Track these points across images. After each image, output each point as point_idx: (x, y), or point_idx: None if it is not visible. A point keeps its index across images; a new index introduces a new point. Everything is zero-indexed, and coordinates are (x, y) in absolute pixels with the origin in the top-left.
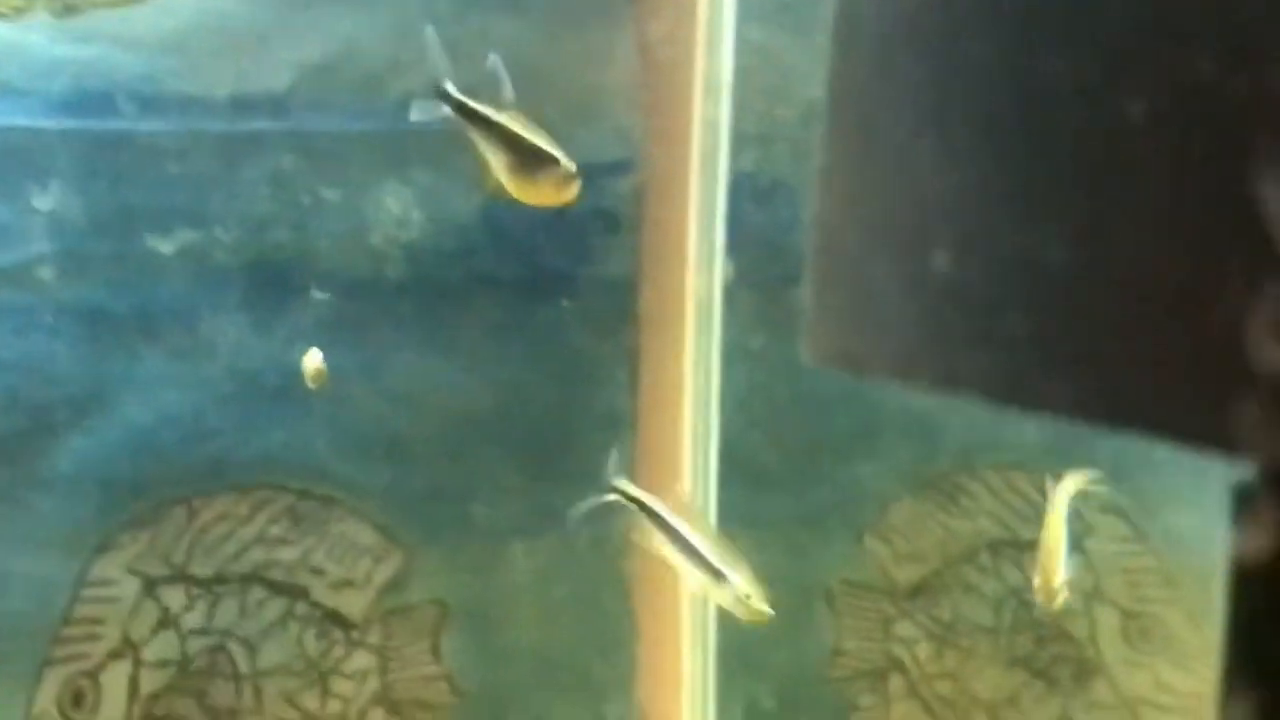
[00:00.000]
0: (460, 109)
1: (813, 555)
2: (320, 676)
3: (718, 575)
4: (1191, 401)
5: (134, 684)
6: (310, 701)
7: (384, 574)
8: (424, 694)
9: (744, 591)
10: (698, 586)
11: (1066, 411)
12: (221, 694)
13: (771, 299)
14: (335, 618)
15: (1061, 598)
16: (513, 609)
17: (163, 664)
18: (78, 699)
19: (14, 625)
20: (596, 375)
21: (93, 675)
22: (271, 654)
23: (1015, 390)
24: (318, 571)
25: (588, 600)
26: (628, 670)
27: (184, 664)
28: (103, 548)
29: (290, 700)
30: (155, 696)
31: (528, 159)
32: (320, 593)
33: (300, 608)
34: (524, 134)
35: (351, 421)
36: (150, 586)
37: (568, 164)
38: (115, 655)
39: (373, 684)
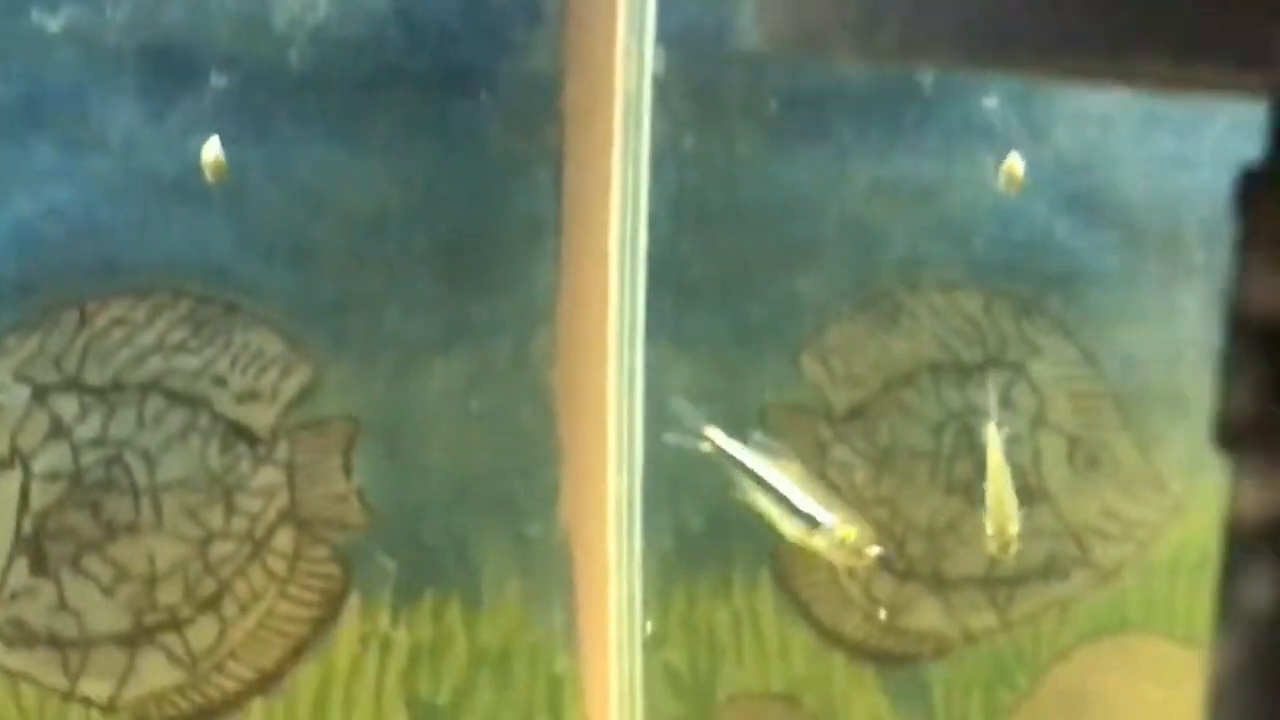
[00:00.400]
0: None
1: (745, 375)
2: (225, 492)
3: (812, 521)
4: (1216, 21)
5: (24, 496)
6: (214, 518)
7: (291, 386)
8: (335, 513)
9: (839, 535)
10: (794, 534)
11: (1058, 51)
12: (119, 508)
13: (706, 96)
14: (240, 431)
15: (1015, 548)
16: (428, 425)
17: (55, 476)
18: None
19: None
20: (517, 176)
21: None
22: (172, 468)
23: (998, 37)
24: (220, 382)
25: (508, 417)
26: (551, 491)
27: (78, 476)
28: None
29: (193, 516)
30: (47, 510)
31: None
32: (224, 405)
33: (203, 420)
34: None
35: (255, 220)
36: (40, 394)
37: None
38: (3, 466)
39: (281, 501)
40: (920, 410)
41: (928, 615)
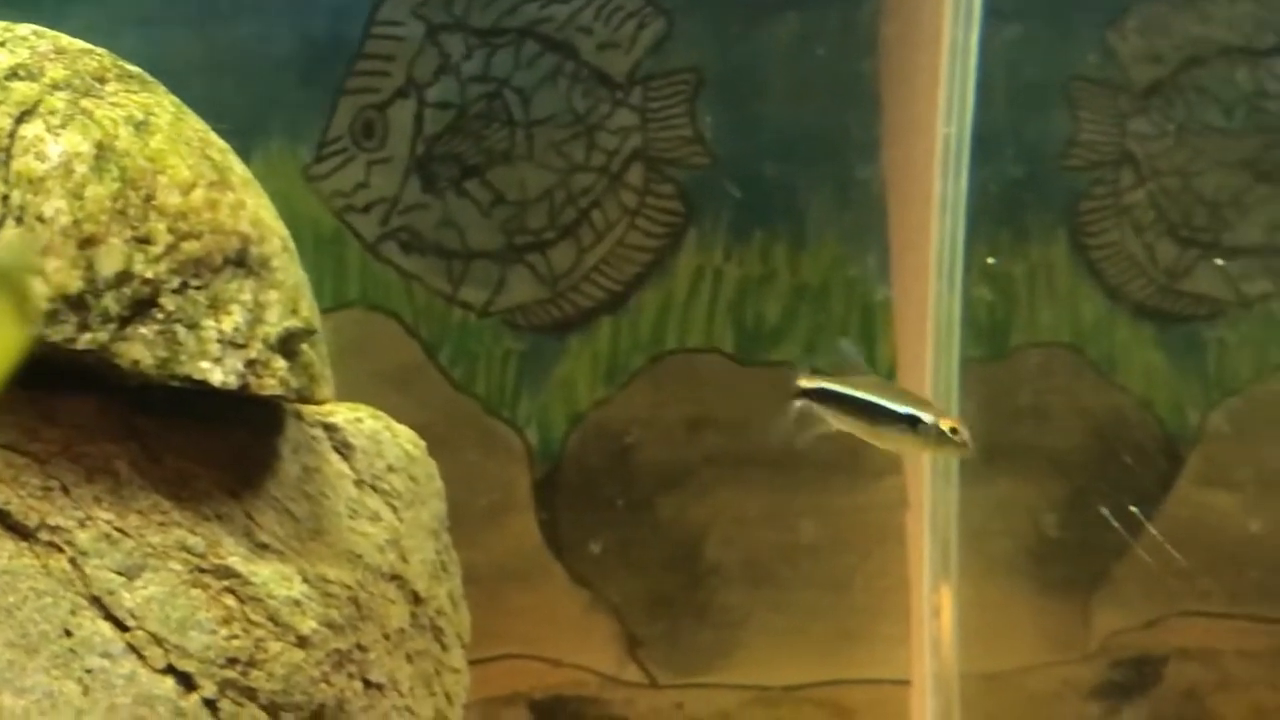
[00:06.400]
0: None
1: (1052, 51)
2: (587, 130)
3: (913, 422)
4: None
5: (418, 122)
6: (577, 152)
7: (647, 37)
8: (681, 154)
9: (944, 428)
10: (892, 441)
11: None
12: (497, 139)
13: None
14: (601, 76)
15: None
16: (765, 79)
17: (444, 106)
18: (369, 130)
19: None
20: None
21: (381, 109)
22: (543, 106)
23: None
24: (586, 30)
25: (840, 69)
26: (875, 136)
27: (463, 108)
28: None
29: (559, 150)
30: (437, 136)
31: None
32: (588, 51)
33: (569, 64)
34: None
35: None
36: (433, 32)
37: None
38: (401, 95)
39: (634, 141)
40: (1214, 90)
41: (1206, 280)
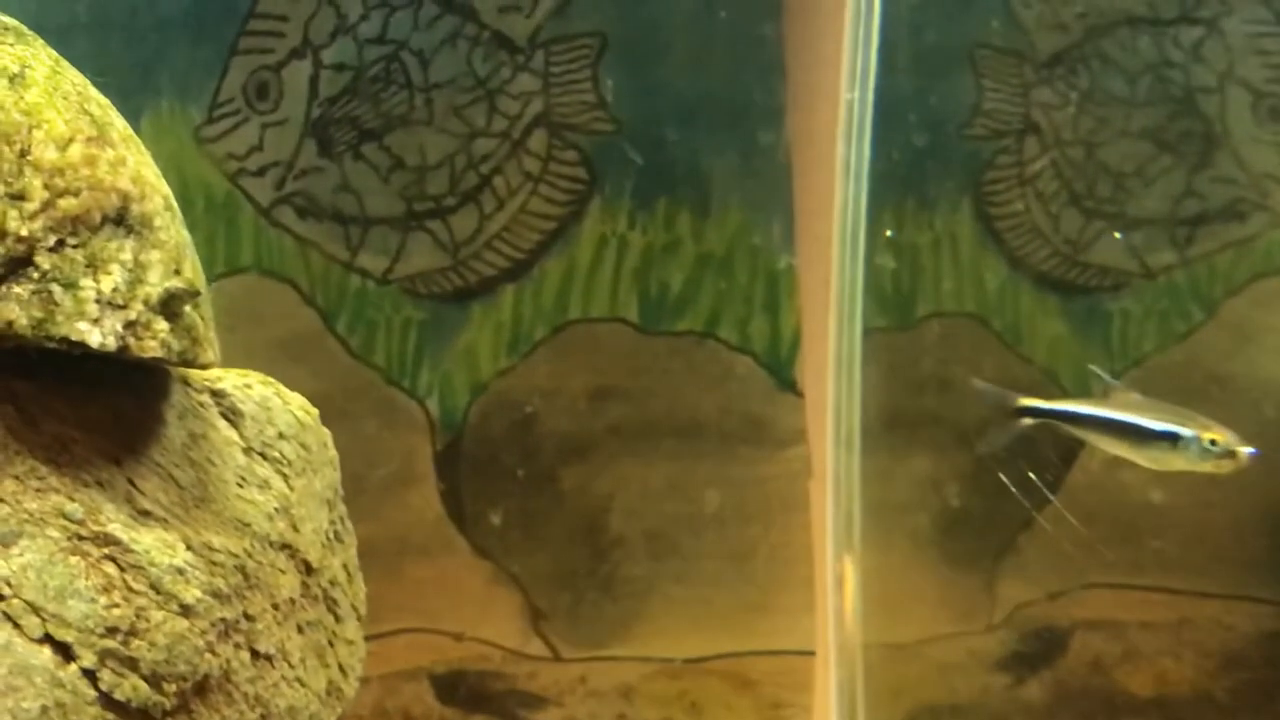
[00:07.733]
0: None
1: (956, 17)
2: (487, 94)
3: (1173, 439)
4: None
5: (313, 85)
6: (478, 117)
7: (549, 1)
8: (584, 119)
9: (1206, 440)
10: (1155, 460)
11: None
12: (395, 102)
13: None
14: (501, 40)
15: None
16: (669, 44)
17: (340, 68)
18: (262, 91)
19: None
20: None
21: (276, 70)
22: (443, 69)
23: None
24: None
25: (744, 34)
26: (780, 102)
27: (360, 70)
28: None
29: (459, 114)
30: (334, 99)
31: None
32: (488, 14)
33: (469, 27)
34: None
35: None
36: None
37: None
38: (296, 56)
39: (536, 106)
40: (1119, 60)
41: (1110, 251)
